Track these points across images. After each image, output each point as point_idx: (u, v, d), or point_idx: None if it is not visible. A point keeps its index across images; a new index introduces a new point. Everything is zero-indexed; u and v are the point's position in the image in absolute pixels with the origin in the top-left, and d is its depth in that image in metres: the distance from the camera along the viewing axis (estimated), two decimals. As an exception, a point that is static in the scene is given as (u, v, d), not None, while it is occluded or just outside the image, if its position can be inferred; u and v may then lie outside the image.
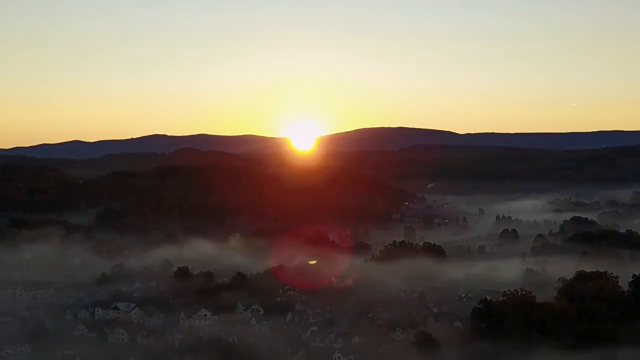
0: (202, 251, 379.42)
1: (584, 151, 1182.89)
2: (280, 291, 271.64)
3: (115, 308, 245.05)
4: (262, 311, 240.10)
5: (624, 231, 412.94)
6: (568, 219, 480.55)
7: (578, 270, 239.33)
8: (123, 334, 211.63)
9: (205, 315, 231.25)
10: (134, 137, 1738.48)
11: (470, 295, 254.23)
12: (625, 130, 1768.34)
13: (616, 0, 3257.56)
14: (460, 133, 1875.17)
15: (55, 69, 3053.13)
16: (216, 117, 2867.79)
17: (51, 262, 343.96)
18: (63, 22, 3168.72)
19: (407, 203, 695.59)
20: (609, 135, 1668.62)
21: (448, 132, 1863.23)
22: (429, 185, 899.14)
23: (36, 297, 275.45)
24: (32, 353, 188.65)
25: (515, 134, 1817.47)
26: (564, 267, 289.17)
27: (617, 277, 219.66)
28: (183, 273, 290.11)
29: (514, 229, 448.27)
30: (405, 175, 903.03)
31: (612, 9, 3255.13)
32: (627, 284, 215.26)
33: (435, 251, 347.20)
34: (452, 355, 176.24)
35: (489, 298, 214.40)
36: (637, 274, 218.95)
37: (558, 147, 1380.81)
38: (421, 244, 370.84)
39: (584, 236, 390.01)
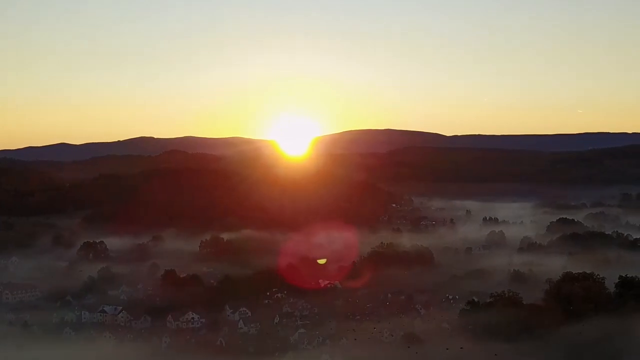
0: (189, 254, 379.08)
1: (571, 153, 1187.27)
2: (268, 293, 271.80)
3: (102, 311, 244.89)
4: (250, 313, 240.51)
5: (610, 232, 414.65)
6: (555, 220, 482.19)
7: (565, 271, 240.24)
8: (110, 337, 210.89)
9: (193, 318, 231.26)
10: (121, 140, 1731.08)
11: (457, 296, 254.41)
12: (611, 132, 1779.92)
13: (600, 4, 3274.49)
14: (447, 135, 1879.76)
15: (40, 72, 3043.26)
16: (203, 120, 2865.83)
17: (38, 265, 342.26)
18: (48, 24, 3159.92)
19: (394, 205, 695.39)
20: (596, 137, 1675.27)
21: (435, 134, 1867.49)
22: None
23: (23, 300, 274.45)
24: (18, 356, 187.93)
25: (502, 135, 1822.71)
26: (551, 269, 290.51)
27: (603, 278, 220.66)
28: (170, 276, 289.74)
29: (501, 231, 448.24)
30: (392, 177, 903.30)
31: (599, 11, 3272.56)
32: (614, 285, 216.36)
33: (422, 253, 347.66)
34: (440, 356, 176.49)
35: (476, 299, 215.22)
36: (623, 275, 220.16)
37: (545, 149, 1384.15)
38: (408, 246, 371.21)
39: (570, 237, 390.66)
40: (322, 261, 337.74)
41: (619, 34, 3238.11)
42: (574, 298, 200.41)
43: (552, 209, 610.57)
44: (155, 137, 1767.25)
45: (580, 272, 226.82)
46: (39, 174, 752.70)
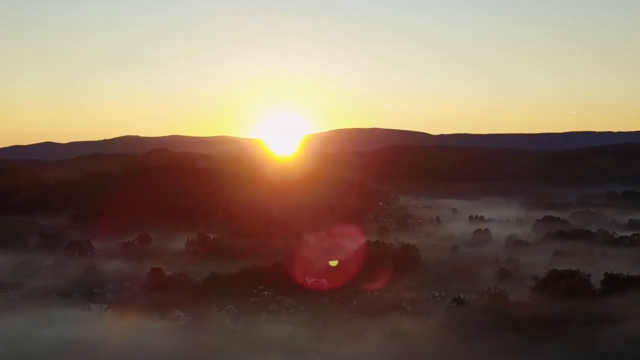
0: (175, 252, 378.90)
1: (557, 151, 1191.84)
2: (255, 291, 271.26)
3: (88, 309, 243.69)
4: (237, 311, 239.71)
5: (596, 230, 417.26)
6: (541, 218, 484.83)
7: (551, 268, 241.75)
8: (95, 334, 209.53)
9: (179, 315, 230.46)
10: (107, 139, 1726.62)
11: (443, 294, 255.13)
12: (597, 131, 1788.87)
13: (585, 4, 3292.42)
14: (434, 134, 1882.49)
15: (26, 70, 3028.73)
16: (189, 118, 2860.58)
17: (23, 264, 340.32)
18: (34, 23, 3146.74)
19: (381, 203, 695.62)
20: (582, 135, 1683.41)
21: (421, 132, 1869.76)
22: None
23: (7, 299, 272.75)
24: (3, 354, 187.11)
25: (488, 134, 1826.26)
26: (537, 266, 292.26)
27: (589, 275, 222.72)
28: (156, 274, 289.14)
29: (487, 229, 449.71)
30: (379, 176, 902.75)
31: (584, 11, 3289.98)
32: (599, 282, 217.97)
33: (409, 251, 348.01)
34: (426, 353, 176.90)
35: (462, 296, 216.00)
36: (608, 272, 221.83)
37: (531, 147, 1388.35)
38: (395, 244, 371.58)
39: (556, 235, 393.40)
40: (333, 263, 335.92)
41: (604, 33, 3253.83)
42: (559, 295, 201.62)
43: (538, 207, 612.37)
44: (142, 135, 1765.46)
45: (566, 269, 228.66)
46: (24, 172, 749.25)
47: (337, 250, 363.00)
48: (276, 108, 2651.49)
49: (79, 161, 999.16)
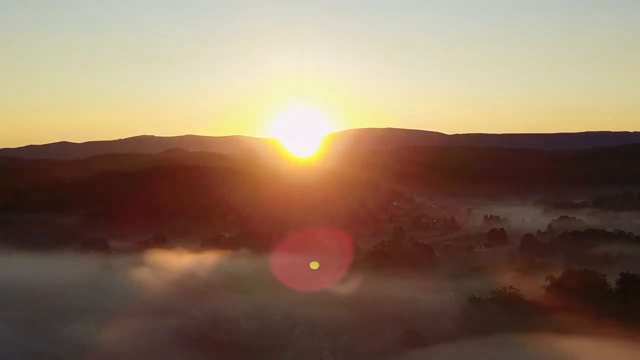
0: (190, 251, 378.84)
1: (572, 151, 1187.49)
2: (269, 291, 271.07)
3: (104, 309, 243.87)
4: (251, 311, 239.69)
5: (612, 230, 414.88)
6: (556, 218, 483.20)
7: (566, 268, 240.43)
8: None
9: (194, 315, 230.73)
10: (122, 138, 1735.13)
11: (458, 293, 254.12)
12: (612, 131, 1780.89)
13: (601, 4, 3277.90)
14: (449, 134, 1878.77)
15: (42, 70, 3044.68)
16: (204, 118, 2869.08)
17: (38, 263, 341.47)
18: (48, 22, 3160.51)
19: (395, 203, 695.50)
20: (597, 135, 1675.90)
21: (436, 132, 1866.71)
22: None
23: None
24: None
25: (503, 134, 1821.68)
26: (552, 266, 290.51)
27: (605, 275, 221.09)
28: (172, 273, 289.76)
29: (502, 229, 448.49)
30: (393, 176, 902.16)
31: (599, 10, 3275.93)
32: (615, 282, 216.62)
33: (423, 251, 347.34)
34: (441, 353, 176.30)
35: (477, 296, 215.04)
36: (624, 272, 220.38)
37: (546, 147, 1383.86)
38: (409, 244, 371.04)
39: (572, 235, 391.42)
40: (314, 265, 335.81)
41: (619, 32, 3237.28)
42: (575, 295, 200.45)
43: (554, 207, 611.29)
44: (156, 135, 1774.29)
45: (582, 269, 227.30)
46: (39, 172, 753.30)
47: (351, 251, 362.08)
48: (291, 108, 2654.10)
49: (94, 161, 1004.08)
